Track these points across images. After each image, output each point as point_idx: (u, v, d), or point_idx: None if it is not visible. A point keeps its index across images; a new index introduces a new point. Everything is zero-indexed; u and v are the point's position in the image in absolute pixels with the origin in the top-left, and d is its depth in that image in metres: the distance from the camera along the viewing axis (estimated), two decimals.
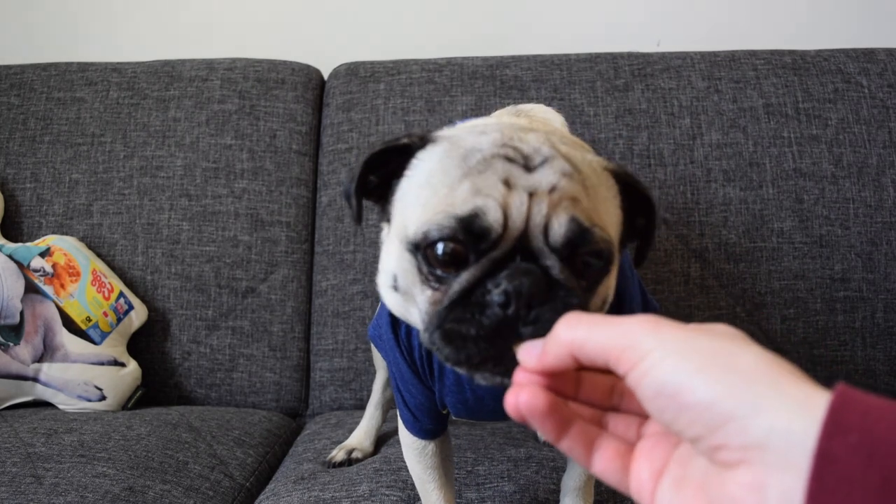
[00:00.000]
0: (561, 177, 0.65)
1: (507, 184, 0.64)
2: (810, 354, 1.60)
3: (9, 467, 1.21)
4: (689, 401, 0.41)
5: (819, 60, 1.73)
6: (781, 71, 1.72)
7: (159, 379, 1.69)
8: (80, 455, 1.26)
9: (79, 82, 1.83)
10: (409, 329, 0.89)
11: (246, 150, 1.76)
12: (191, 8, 2.12)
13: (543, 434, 0.48)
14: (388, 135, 1.73)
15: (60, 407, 1.58)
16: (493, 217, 0.63)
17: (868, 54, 1.73)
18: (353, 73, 1.82)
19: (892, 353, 1.60)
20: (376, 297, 1.64)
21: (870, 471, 0.35)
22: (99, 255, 1.69)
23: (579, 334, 0.46)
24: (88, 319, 1.59)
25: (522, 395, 0.47)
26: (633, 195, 0.74)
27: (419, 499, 1.11)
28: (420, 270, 0.67)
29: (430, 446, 1.01)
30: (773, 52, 1.76)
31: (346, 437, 1.40)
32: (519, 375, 0.49)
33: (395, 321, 0.90)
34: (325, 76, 1.90)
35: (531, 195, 0.64)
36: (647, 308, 0.98)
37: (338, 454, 1.33)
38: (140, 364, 1.64)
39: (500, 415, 0.94)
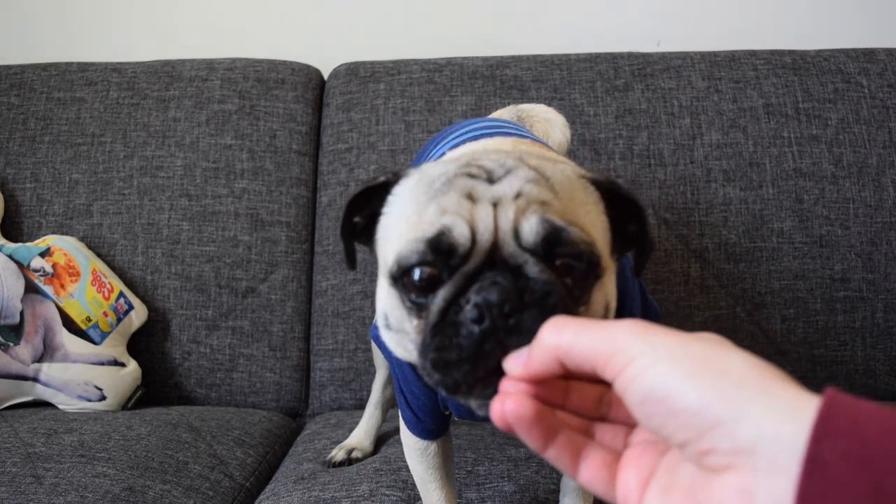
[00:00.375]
0: (526, 183, 0.64)
1: (471, 198, 0.64)
2: (810, 354, 1.60)
3: (9, 467, 1.21)
4: (677, 406, 0.40)
5: (819, 60, 1.73)
6: (781, 71, 1.72)
7: (159, 379, 1.69)
8: (80, 455, 1.26)
9: (79, 82, 1.83)
10: None
11: (246, 150, 1.76)
12: (191, 8, 2.12)
13: (529, 443, 0.47)
14: (389, 135, 1.73)
15: (60, 407, 1.58)
16: (459, 232, 0.62)
17: (868, 54, 1.73)
18: (353, 73, 1.82)
19: (892, 353, 1.60)
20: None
21: (860, 476, 0.34)
22: (99, 255, 1.69)
23: (566, 339, 0.45)
24: (88, 319, 1.59)
25: (508, 403, 0.46)
26: (620, 202, 0.72)
27: (419, 499, 1.11)
28: (403, 302, 0.67)
29: (433, 446, 1.01)
30: (773, 52, 1.76)
31: (347, 437, 1.40)
32: (505, 384, 0.48)
33: None
34: (325, 76, 1.90)
35: (496, 205, 0.63)
36: (646, 310, 0.98)
37: (338, 454, 1.33)
38: (140, 364, 1.64)
39: None
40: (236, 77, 1.82)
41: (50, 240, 1.65)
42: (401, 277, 0.66)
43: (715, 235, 1.63)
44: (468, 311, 0.60)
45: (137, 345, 1.67)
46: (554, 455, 0.47)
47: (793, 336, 1.60)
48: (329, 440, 1.43)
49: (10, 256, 1.59)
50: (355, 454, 1.33)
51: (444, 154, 0.94)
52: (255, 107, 1.79)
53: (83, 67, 1.86)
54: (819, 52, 1.75)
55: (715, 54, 1.76)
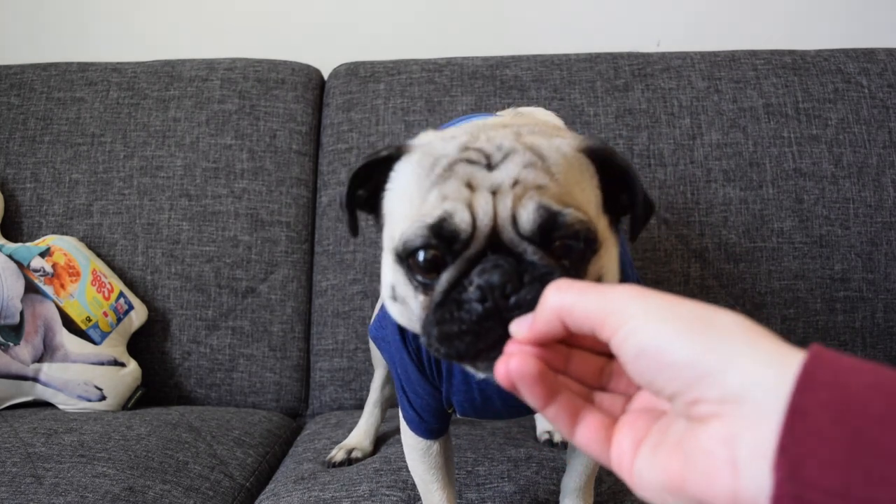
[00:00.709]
0: (522, 168, 0.67)
1: (470, 186, 0.67)
2: None
3: (9, 467, 1.21)
4: (668, 360, 0.42)
5: (819, 60, 1.73)
6: (781, 71, 1.72)
7: (159, 379, 1.69)
8: (80, 455, 1.26)
9: (79, 82, 1.83)
10: None
11: (246, 150, 1.76)
12: (191, 8, 2.12)
13: (531, 400, 0.48)
14: (389, 135, 1.73)
15: (60, 407, 1.58)
16: (460, 218, 0.66)
17: (868, 54, 1.73)
18: (353, 73, 1.82)
19: (892, 353, 1.60)
20: (376, 297, 1.64)
21: (839, 425, 0.36)
22: (99, 255, 1.70)
23: (568, 298, 0.47)
24: (88, 319, 1.59)
25: (513, 361, 0.48)
26: (612, 171, 0.74)
27: (419, 499, 1.11)
28: (409, 280, 0.70)
29: (435, 446, 1.01)
30: (773, 52, 1.76)
31: (347, 437, 1.40)
32: (510, 347, 0.50)
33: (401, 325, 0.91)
34: (325, 76, 1.90)
35: (494, 193, 0.66)
36: None
37: (337, 454, 1.33)
38: (140, 364, 1.64)
39: (506, 413, 0.94)
40: (236, 77, 1.82)
41: (50, 240, 1.65)
42: (406, 258, 0.69)
43: (715, 235, 1.63)
44: (472, 292, 0.64)
45: (137, 345, 1.67)
46: (553, 413, 0.49)
47: (793, 336, 1.60)
48: (329, 440, 1.43)
49: (10, 256, 1.59)
50: (355, 454, 1.33)
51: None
52: (255, 107, 1.79)
53: (83, 67, 1.86)
54: (819, 52, 1.75)
55: (715, 54, 1.76)
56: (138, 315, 1.65)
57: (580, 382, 0.52)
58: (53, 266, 1.60)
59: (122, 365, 1.61)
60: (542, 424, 1.39)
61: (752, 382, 0.39)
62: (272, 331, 1.70)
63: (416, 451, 1.02)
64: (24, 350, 1.56)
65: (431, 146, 0.73)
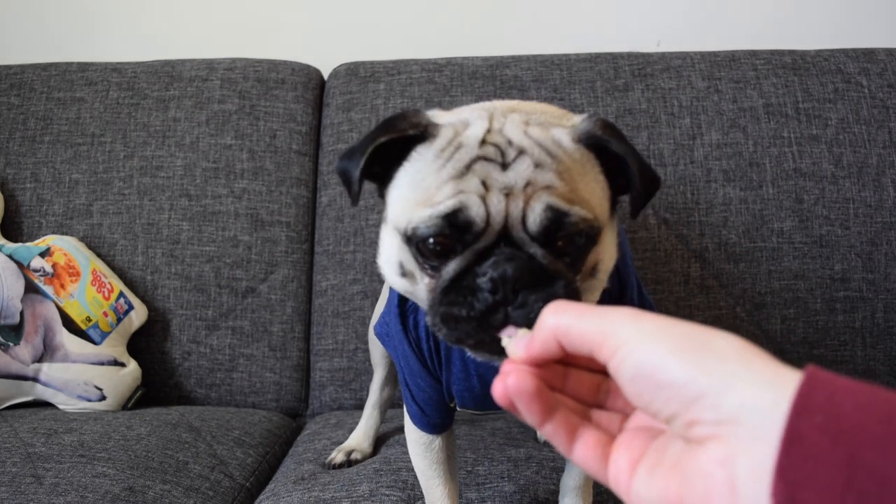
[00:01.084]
0: (534, 169, 0.71)
1: (485, 185, 0.71)
2: (810, 354, 1.60)
3: (9, 467, 1.21)
4: (664, 379, 0.43)
5: (819, 60, 1.73)
6: (781, 71, 1.72)
7: (159, 379, 1.69)
8: (80, 455, 1.26)
9: (79, 82, 1.83)
10: (417, 321, 0.92)
11: (246, 150, 1.76)
12: (191, 8, 2.12)
13: (529, 418, 0.49)
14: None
15: (60, 407, 1.58)
16: (476, 212, 0.70)
17: (868, 54, 1.73)
18: (353, 73, 1.82)
19: (892, 353, 1.60)
20: (376, 297, 1.64)
21: (835, 449, 0.36)
22: (99, 255, 1.70)
23: (564, 320, 0.48)
24: (88, 319, 1.59)
25: (510, 379, 0.48)
26: (612, 153, 0.76)
27: (419, 499, 1.11)
28: (417, 260, 0.74)
29: (437, 441, 1.02)
30: (773, 52, 1.76)
31: (347, 438, 1.40)
32: (506, 366, 0.51)
33: (403, 314, 0.93)
34: (325, 76, 1.90)
35: (507, 195, 0.70)
36: (642, 303, 0.99)
37: (337, 456, 1.33)
38: (140, 364, 1.64)
39: None
40: (236, 77, 1.82)
41: (50, 240, 1.65)
42: (415, 242, 0.73)
43: (715, 235, 1.63)
44: (484, 283, 0.68)
45: (137, 345, 1.67)
46: (551, 430, 0.49)
47: (793, 336, 1.60)
48: (329, 440, 1.43)
49: (10, 256, 1.59)
50: (354, 456, 1.33)
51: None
52: (255, 107, 1.79)
53: (83, 67, 1.86)
54: (819, 52, 1.75)
55: (715, 54, 1.76)
56: (138, 315, 1.65)
57: (577, 400, 0.52)
58: (53, 266, 1.60)
59: (122, 365, 1.61)
60: None
61: (748, 405, 0.39)
62: (272, 331, 1.70)
63: (418, 446, 1.03)
64: (24, 350, 1.56)
65: (456, 132, 0.75)
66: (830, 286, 1.60)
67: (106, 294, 1.62)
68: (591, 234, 0.72)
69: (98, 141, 1.77)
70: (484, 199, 0.70)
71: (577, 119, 0.79)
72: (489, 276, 0.68)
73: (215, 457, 1.36)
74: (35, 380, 1.57)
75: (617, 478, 0.47)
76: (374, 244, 1.69)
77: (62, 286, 1.59)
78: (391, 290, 0.98)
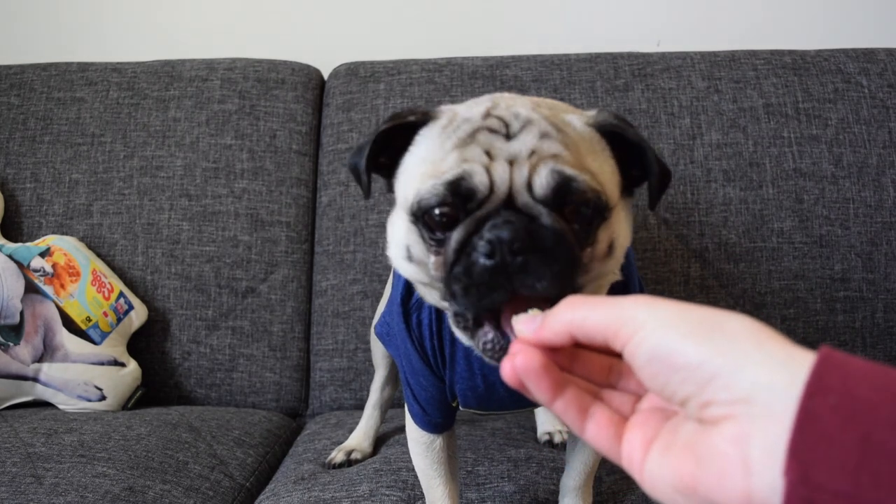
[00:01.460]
0: (540, 138, 0.70)
1: (489, 154, 0.70)
2: None
3: (9, 467, 1.21)
4: (679, 362, 0.43)
5: (819, 60, 1.73)
6: (781, 71, 1.72)
7: (159, 379, 1.69)
8: (80, 455, 1.26)
9: (79, 82, 1.83)
10: (420, 319, 0.91)
11: (246, 150, 1.76)
12: (191, 8, 2.12)
13: (538, 395, 0.49)
14: None
15: (60, 407, 1.58)
16: (479, 179, 0.69)
17: (868, 54, 1.73)
18: (353, 73, 1.82)
19: (892, 353, 1.60)
20: (376, 297, 1.64)
21: (849, 429, 0.37)
22: (99, 255, 1.70)
23: (579, 314, 0.48)
24: (88, 319, 1.59)
25: (518, 358, 0.49)
26: (626, 143, 0.76)
27: (419, 499, 1.11)
28: (424, 238, 0.73)
29: (438, 441, 1.01)
30: (773, 52, 1.76)
31: (347, 437, 1.40)
32: (515, 347, 0.51)
33: (406, 312, 0.92)
34: (325, 76, 1.90)
35: (511, 163, 0.69)
36: None
37: (337, 456, 1.33)
38: (140, 364, 1.64)
39: (510, 403, 0.94)
40: (236, 77, 1.82)
41: (50, 240, 1.65)
42: (421, 216, 0.72)
43: (715, 235, 1.63)
44: (481, 247, 0.67)
45: (137, 345, 1.67)
46: (561, 408, 0.50)
47: (793, 336, 1.60)
48: (329, 440, 1.43)
49: (10, 256, 1.59)
50: (354, 455, 1.33)
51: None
52: (255, 107, 1.79)
53: (83, 67, 1.86)
54: (819, 52, 1.75)
55: (715, 54, 1.76)
56: (138, 315, 1.65)
57: (587, 380, 0.52)
58: (53, 266, 1.60)
59: (122, 365, 1.61)
60: (543, 426, 1.39)
61: (762, 385, 0.40)
62: (272, 331, 1.70)
63: (419, 445, 1.02)
64: (24, 350, 1.56)
65: (455, 113, 0.76)
66: (830, 286, 1.60)
67: (106, 294, 1.62)
68: (598, 207, 0.71)
69: (98, 141, 1.77)
70: (487, 168, 0.69)
71: (591, 111, 0.79)
72: (486, 238, 0.67)
73: (215, 457, 1.36)
74: (35, 380, 1.57)
75: (630, 456, 0.47)
76: (374, 244, 1.69)
77: (62, 286, 1.59)
78: (393, 288, 0.98)
